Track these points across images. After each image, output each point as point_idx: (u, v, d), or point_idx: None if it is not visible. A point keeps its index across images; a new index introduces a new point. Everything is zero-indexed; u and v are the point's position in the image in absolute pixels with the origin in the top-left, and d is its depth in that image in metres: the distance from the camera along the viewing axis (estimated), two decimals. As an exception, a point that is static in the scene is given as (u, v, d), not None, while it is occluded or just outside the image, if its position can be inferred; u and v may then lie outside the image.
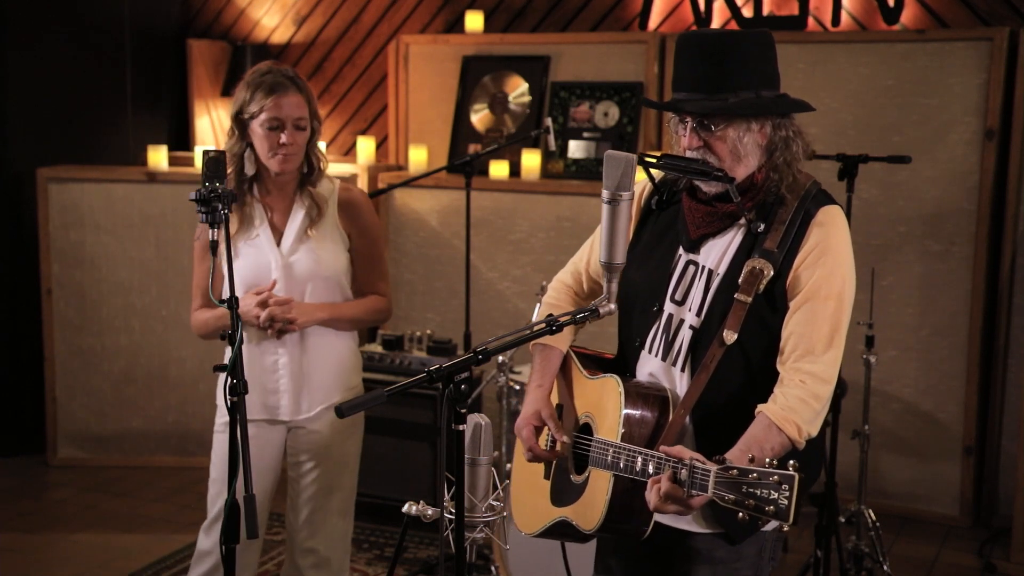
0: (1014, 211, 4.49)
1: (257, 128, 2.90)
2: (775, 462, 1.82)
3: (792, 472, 1.77)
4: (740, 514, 1.81)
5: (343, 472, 3.12)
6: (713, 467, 1.87)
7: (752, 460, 1.90)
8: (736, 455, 2.00)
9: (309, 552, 3.11)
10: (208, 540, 3.06)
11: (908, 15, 4.73)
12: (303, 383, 3.02)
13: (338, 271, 3.03)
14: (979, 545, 4.41)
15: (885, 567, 3.98)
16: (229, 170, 2.93)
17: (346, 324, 3.07)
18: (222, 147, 2.96)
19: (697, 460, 1.92)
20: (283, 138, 2.89)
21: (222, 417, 3.05)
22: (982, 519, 4.64)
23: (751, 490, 1.80)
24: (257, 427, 3.03)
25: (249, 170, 2.97)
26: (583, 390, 2.35)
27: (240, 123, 2.94)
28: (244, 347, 2.98)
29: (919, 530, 4.58)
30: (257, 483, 3.07)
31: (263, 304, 2.88)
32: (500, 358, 3.89)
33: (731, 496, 1.83)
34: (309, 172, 3.01)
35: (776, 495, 1.77)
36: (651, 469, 2.01)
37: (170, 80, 5.88)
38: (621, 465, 2.10)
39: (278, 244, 2.99)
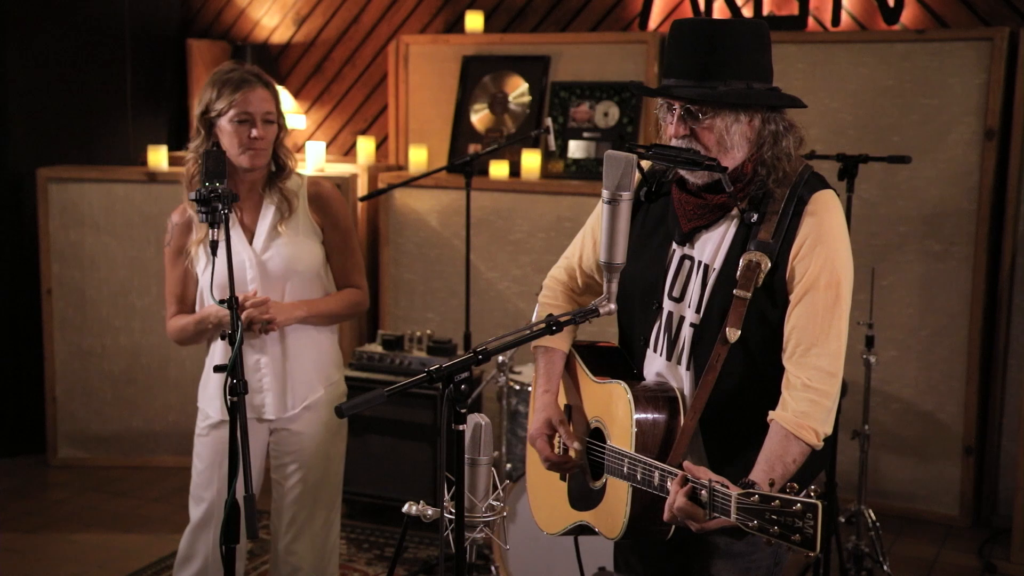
0: (1014, 211, 4.49)
1: (225, 125, 2.88)
2: (796, 485, 1.80)
3: (815, 501, 1.74)
4: (765, 539, 1.80)
5: (327, 474, 3.11)
6: (734, 492, 1.85)
7: (772, 484, 1.87)
8: (760, 476, 1.98)
9: (291, 555, 3.08)
10: (191, 545, 3.05)
11: (908, 15, 4.73)
12: (286, 381, 3.01)
13: (314, 265, 3.02)
14: (979, 545, 4.41)
15: (885, 567, 3.98)
16: (195, 170, 2.92)
17: (324, 320, 3.06)
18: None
19: (717, 483, 1.90)
20: (254, 132, 2.87)
21: (205, 420, 3.05)
22: (982, 519, 4.64)
23: (774, 517, 1.78)
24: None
25: None
26: (591, 394, 2.33)
27: (206, 122, 2.92)
28: (223, 349, 2.98)
29: (919, 530, 4.58)
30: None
31: (241, 307, 2.86)
32: (500, 358, 3.89)
33: (755, 522, 1.81)
34: (278, 171, 2.99)
35: (801, 523, 1.75)
36: (669, 485, 2.00)
37: (170, 80, 5.88)
38: (638, 478, 2.09)
39: (250, 243, 2.97)
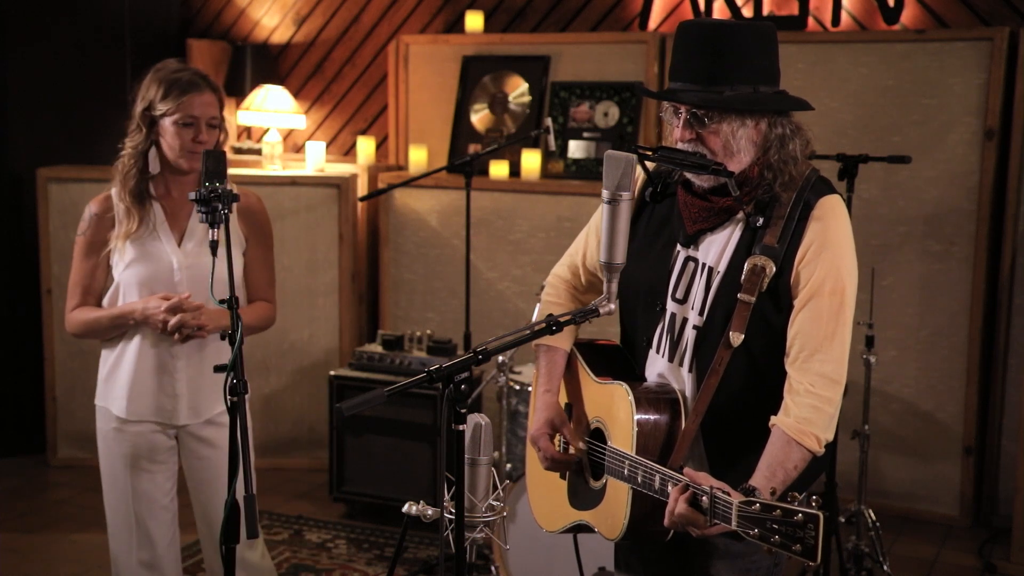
0: (1014, 211, 4.49)
1: (169, 126, 2.86)
2: (798, 495, 1.80)
3: (817, 512, 1.74)
4: (765, 547, 1.80)
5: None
6: (735, 500, 1.85)
7: (774, 492, 1.88)
8: (761, 482, 1.98)
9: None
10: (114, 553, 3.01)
11: (908, 15, 4.73)
12: (199, 388, 2.97)
13: (238, 275, 2.98)
14: (979, 545, 4.41)
15: (885, 567, 3.98)
16: (131, 164, 2.89)
17: (244, 331, 3.04)
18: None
19: (718, 489, 1.89)
20: (200, 136, 2.85)
21: (110, 420, 2.97)
22: (982, 519, 4.64)
23: (775, 526, 1.77)
24: (151, 429, 2.98)
25: (153, 168, 2.92)
26: (591, 393, 2.33)
27: (147, 119, 2.89)
28: (137, 348, 2.94)
29: (919, 530, 4.58)
30: (165, 490, 3.03)
31: (175, 309, 2.82)
32: (500, 358, 3.89)
33: (755, 531, 1.80)
34: None
35: (802, 534, 1.74)
36: (670, 489, 2.00)
37: (170, 80, 5.87)
38: (639, 480, 2.09)
39: (179, 245, 2.95)
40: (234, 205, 2.97)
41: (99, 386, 3.03)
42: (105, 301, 2.99)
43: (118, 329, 2.96)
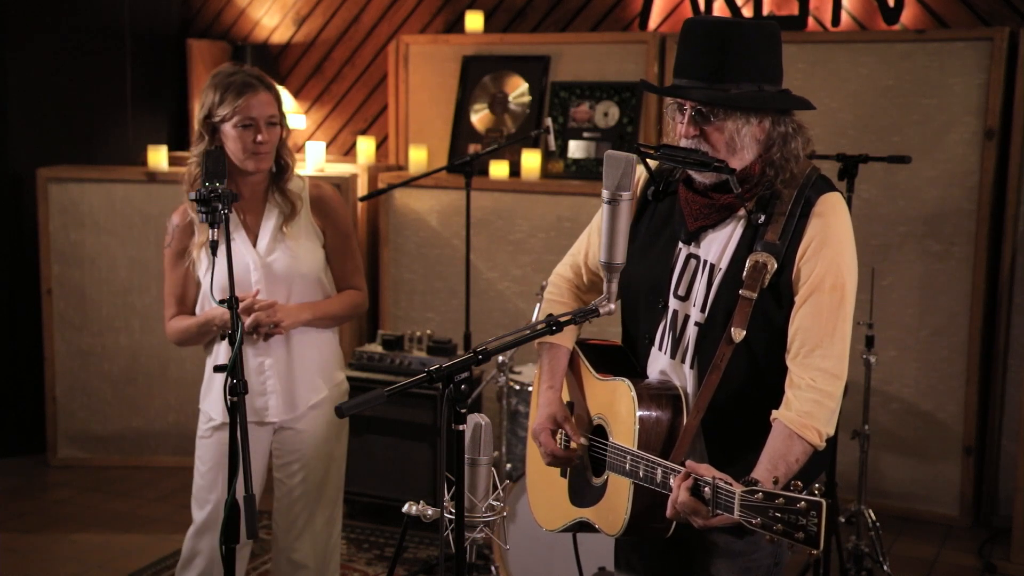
0: (1014, 211, 4.49)
1: (230, 130, 2.88)
2: (800, 484, 1.80)
3: (819, 499, 1.75)
4: (768, 536, 1.80)
5: (330, 472, 3.13)
6: (738, 489, 1.85)
7: (776, 482, 1.88)
8: (764, 474, 1.98)
9: (294, 553, 3.10)
10: (194, 547, 3.06)
11: (908, 15, 4.73)
12: (291, 383, 3.02)
13: (317, 268, 3.03)
14: (979, 545, 4.41)
15: (885, 567, 3.98)
16: (197, 173, 2.91)
17: (328, 322, 3.08)
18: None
19: (721, 479, 1.90)
20: (259, 137, 2.87)
21: (207, 422, 3.05)
22: (982, 519, 4.64)
23: (778, 515, 1.78)
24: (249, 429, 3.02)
25: None
26: (594, 390, 2.34)
27: (209, 127, 2.91)
28: (227, 351, 2.98)
29: (919, 530, 4.58)
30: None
31: (247, 310, 2.85)
32: (500, 358, 3.89)
33: (758, 519, 1.81)
34: (279, 171, 2.99)
35: (805, 521, 1.75)
36: (672, 481, 2.00)
37: (170, 80, 5.88)
38: (640, 475, 2.10)
39: (254, 245, 2.97)
40: (306, 196, 3.03)
41: (202, 390, 3.10)
42: (198, 309, 3.04)
43: (205, 336, 3.01)
